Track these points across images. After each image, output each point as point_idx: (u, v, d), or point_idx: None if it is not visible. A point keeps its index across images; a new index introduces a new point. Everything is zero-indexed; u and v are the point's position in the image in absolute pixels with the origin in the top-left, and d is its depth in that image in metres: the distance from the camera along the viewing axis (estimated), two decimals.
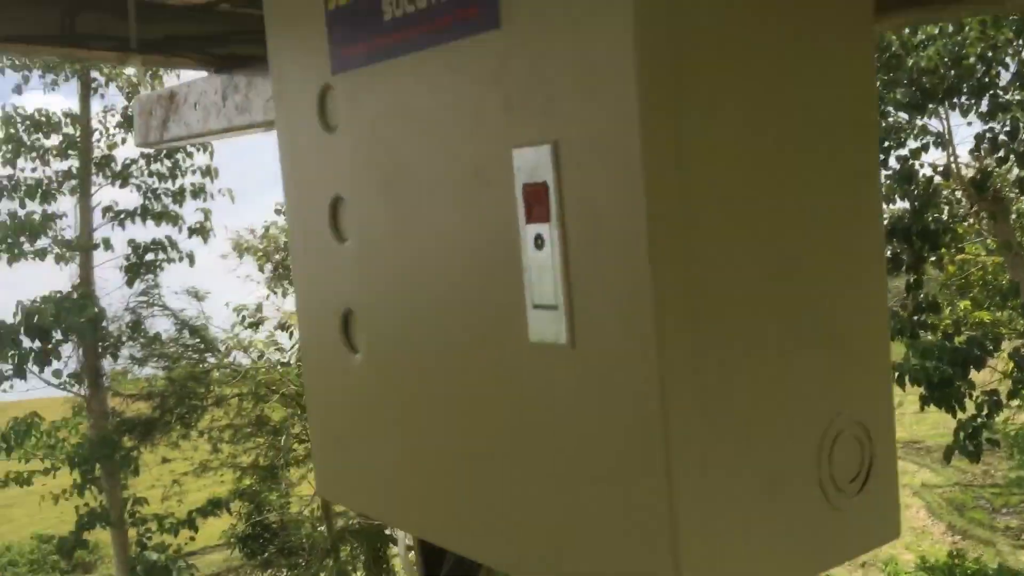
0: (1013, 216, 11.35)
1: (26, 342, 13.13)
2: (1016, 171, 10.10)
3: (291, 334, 17.82)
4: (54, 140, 14.56)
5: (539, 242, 0.85)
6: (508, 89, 0.86)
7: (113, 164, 14.80)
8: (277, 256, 18.39)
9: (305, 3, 1.10)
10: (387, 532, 17.41)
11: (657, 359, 0.76)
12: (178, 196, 14.96)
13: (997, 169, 10.36)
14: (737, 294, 0.81)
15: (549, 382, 0.86)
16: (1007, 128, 9.11)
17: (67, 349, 14.05)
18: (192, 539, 14.97)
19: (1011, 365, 8.89)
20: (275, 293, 18.45)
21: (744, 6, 0.81)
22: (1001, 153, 10.04)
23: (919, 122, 10.38)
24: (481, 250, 0.92)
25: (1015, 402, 9.12)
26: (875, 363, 0.93)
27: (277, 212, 18.14)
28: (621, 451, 0.80)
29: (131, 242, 14.75)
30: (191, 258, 15.13)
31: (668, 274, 0.76)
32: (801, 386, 0.87)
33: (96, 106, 14.49)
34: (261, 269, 18.22)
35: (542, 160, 0.83)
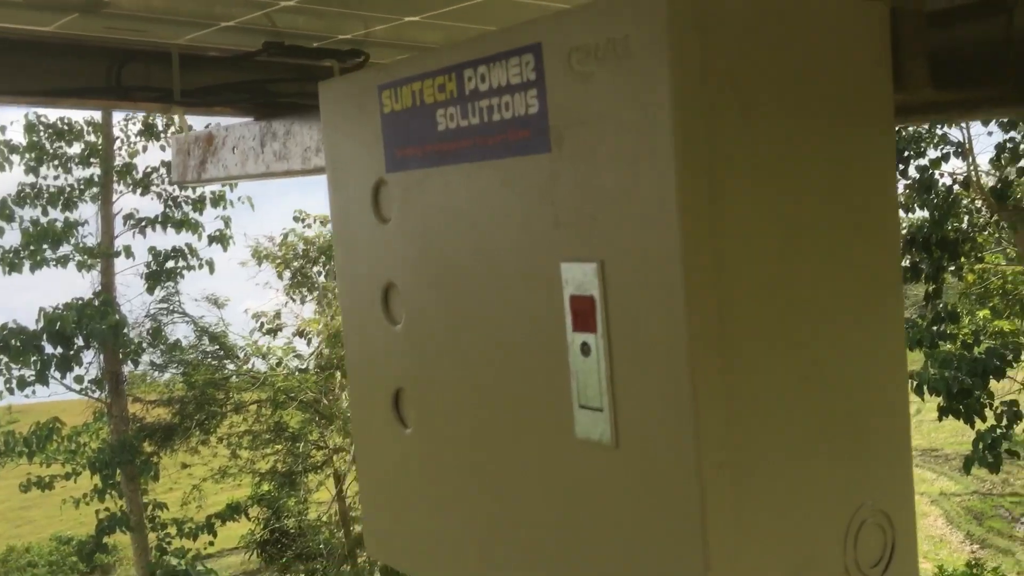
0: None
1: (48, 348, 13.29)
2: None
3: (309, 341, 17.94)
4: (76, 148, 14.72)
5: (585, 349, 0.93)
6: (557, 207, 0.94)
7: (134, 172, 14.95)
8: (296, 263, 18.51)
9: (362, 104, 1.18)
10: None
11: (696, 462, 0.84)
12: (198, 204, 15.09)
13: (1017, 179, 10.34)
14: (770, 397, 0.89)
15: (593, 476, 0.94)
16: None
17: (88, 355, 14.20)
18: (211, 544, 15.09)
19: None
20: (293, 300, 18.58)
21: (769, 137, 0.89)
22: (1022, 163, 10.03)
23: (939, 131, 10.37)
24: (527, 349, 1.00)
25: None
26: (897, 456, 1.01)
27: (296, 219, 18.25)
28: (660, 544, 0.88)
29: (152, 249, 14.89)
30: (211, 265, 15.26)
31: (705, 383, 0.84)
32: (829, 480, 0.95)
33: (118, 115, 14.61)
34: (280, 276, 18.34)
35: (588, 276, 0.91)
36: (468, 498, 1.11)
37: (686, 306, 0.82)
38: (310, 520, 17.64)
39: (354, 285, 1.26)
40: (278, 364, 17.97)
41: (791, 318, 0.91)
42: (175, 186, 14.95)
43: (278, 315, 18.37)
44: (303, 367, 18.01)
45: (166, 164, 14.94)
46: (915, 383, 8.91)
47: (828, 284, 0.94)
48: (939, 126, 10.18)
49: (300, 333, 18.43)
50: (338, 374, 17.51)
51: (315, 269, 18.90)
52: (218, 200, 15.27)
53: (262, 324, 18.06)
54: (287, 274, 18.63)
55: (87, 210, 15.33)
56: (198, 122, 2.75)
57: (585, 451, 0.95)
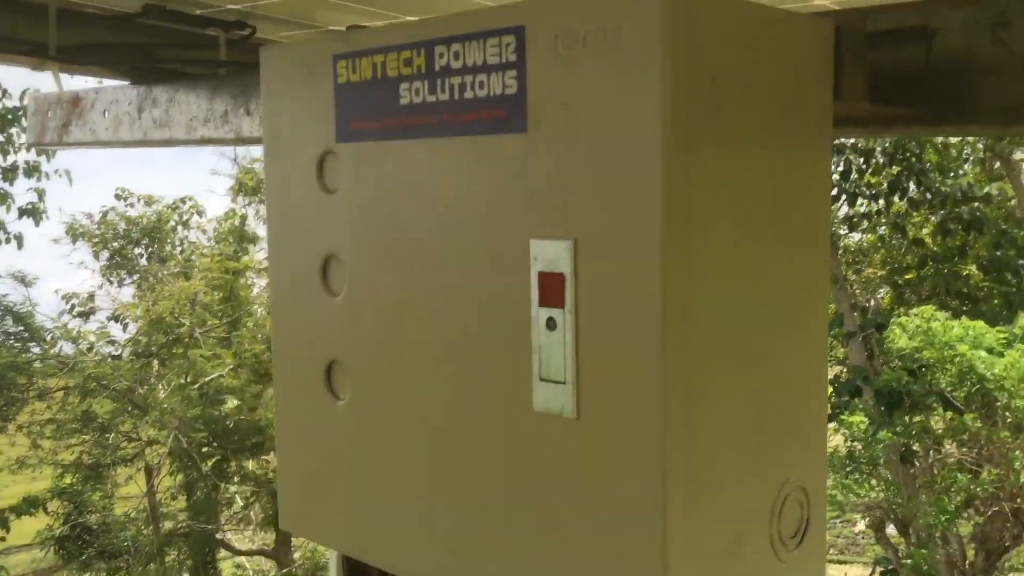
0: (840, 251, 12.15)
1: None
2: (845, 208, 10.83)
3: (125, 326, 17.07)
4: None
5: (551, 324, 0.96)
6: (530, 186, 0.97)
7: None
8: (115, 243, 17.60)
9: (311, 73, 1.18)
10: (217, 536, 16.93)
11: (661, 431, 0.89)
12: (9, 173, 14.12)
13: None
14: (719, 378, 0.95)
15: (551, 447, 0.98)
16: (839, 168, 9.79)
17: None
18: (2, 539, 14.18)
19: (830, 390, 9.56)
20: (110, 282, 17.64)
21: (733, 135, 0.95)
22: (833, 192, 10.78)
23: None
24: (484, 323, 1.03)
25: (831, 425, 9.79)
26: (815, 438, 1.09)
27: (118, 197, 17.36)
28: (620, 510, 0.93)
29: None
30: (19, 240, 14.30)
31: (672, 359, 0.89)
32: (762, 457, 1.02)
33: None
34: (96, 256, 17.39)
35: (560, 253, 0.95)
36: (409, 470, 1.12)
37: (662, 287, 0.88)
38: (116, 516, 16.79)
39: (288, 255, 1.25)
40: (89, 349, 17.03)
41: (740, 309, 0.97)
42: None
43: (91, 297, 17.41)
44: (117, 354, 17.13)
45: None
46: None
47: (771, 280, 1.02)
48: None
49: (116, 318, 17.52)
50: (155, 363, 16.77)
51: (137, 251, 18.03)
52: (32, 171, 14.33)
53: (73, 306, 17.06)
54: (104, 254, 17.68)
55: None
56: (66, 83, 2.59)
57: (543, 423, 0.98)
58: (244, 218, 18.54)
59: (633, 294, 0.90)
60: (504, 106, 0.99)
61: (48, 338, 17.00)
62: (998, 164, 11.95)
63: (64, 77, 2.47)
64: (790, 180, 1.03)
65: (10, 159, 13.85)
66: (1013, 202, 11.82)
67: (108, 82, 2.54)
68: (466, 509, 1.07)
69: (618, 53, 0.89)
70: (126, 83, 2.41)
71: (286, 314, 1.27)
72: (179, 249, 18.48)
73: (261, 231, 18.55)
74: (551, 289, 0.96)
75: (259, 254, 18.68)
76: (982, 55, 1.09)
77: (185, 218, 18.41)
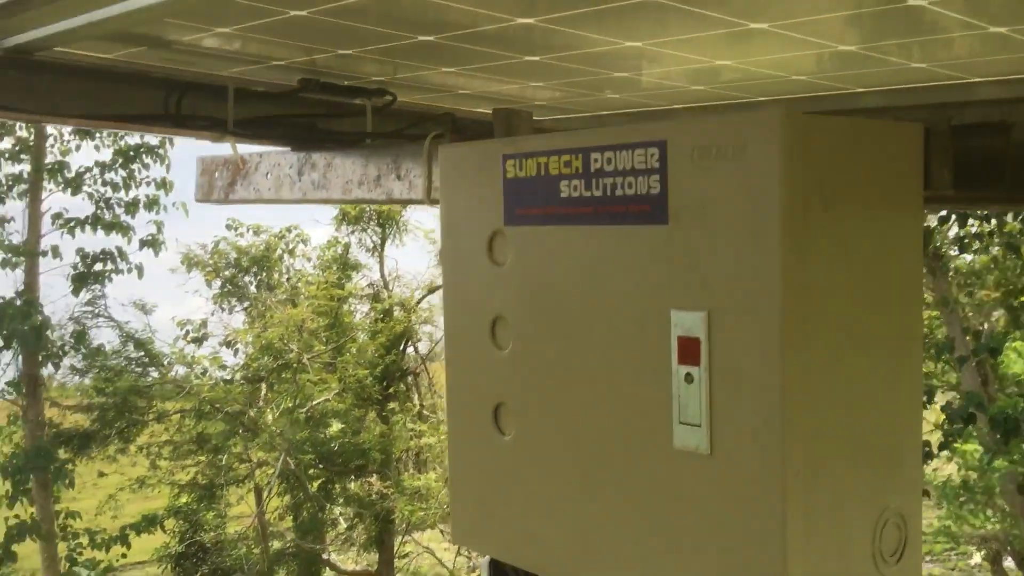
0: (951, 273, 11.88)
1: None
2: (955, 229, 10.62)
3: (236, 351, 17.78)
4: (6, 143, 14.41)
5: (689, 378, 1.20)
6: (670, 267, 1.22)
7: (66, 170, 14.69)
8: (227, 272, 18.36)
9: (483, 168, 1.45)
10: (324, 556, 17.40)
11: (781, 465, 1.12)
12: (131, 207, 14.88)
13: (938, 228, 10.93)
14: (830, 422, 1.18)
15: (687, 480, 1.22)
16: None
17: (6, 356, 13.89)
18: (124, 556, 14.82)
19: (942, 417, 9.38)
20: (222, 309, 18.40)
21: (839, 224, 1.18)
22: (942, 212, 10.62)
23: None
24: (630, 377, 1.28)
25: (944, 453, 9.65)
26: (911, 470, 1.31)
27: (228, 228, 18.13)
28: (746, 532, 1.16)
29: (80, 251, 14.62)
30: (140, 270, 15.03)
31: (790, 406, 1.12)
32: (866, 487, 1.24)
33: None
34: (209, 284, 18.17)
35: (696, 322, 1.19)
36: (565, 494, 1.37)
37: (781, 349, 1.11)
38: (228, 535, 17.41)
39: (461, 315, 1.52)
40: (203, 373, 17.77)
41: (846, 362, 1.20)
42: (107, 187, 14.71)
43: (204, 324, 18.17)
44: (228, 378, 17.82)
45: (100, 164, 14.66)
46: None
47: (873, 339, 1.24)
48: None
49: (227, 343, 18.25)
50: (264, 387, 17.39)
51: (246, 279, 18.75)
52: (151, 204, 15.07)
53: (187, 332, 17.83)
54: (217, 283, 18.44)
55: (14, 207, 15.01)
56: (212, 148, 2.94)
57: (681, 459, 1.22)
58: (348, 246, 19.11)
59: (759, 354, 1.13)
60: (648, 202, 1.24)
61: (165, 363, 17.80)
62: None
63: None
64: (887, 256, 1.25)
65: (131, 193, 14.62)
66: None
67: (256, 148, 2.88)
68: (613, 528, 1.31)
69: (743, 164, 1.13)
70: (286, 149, 2.74)
71: (458, 364, 1.53)
72: (286, 277, 19.13)
73: (363, 258, 19.11)
74: (688, 350, 1.20)
75: (362, 281, 19.21)
76: None
77: (291, 247, 19.07)
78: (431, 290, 19.34)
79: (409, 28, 1.84)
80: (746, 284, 1.14)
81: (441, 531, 18.42)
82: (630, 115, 2.79)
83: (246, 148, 2.92)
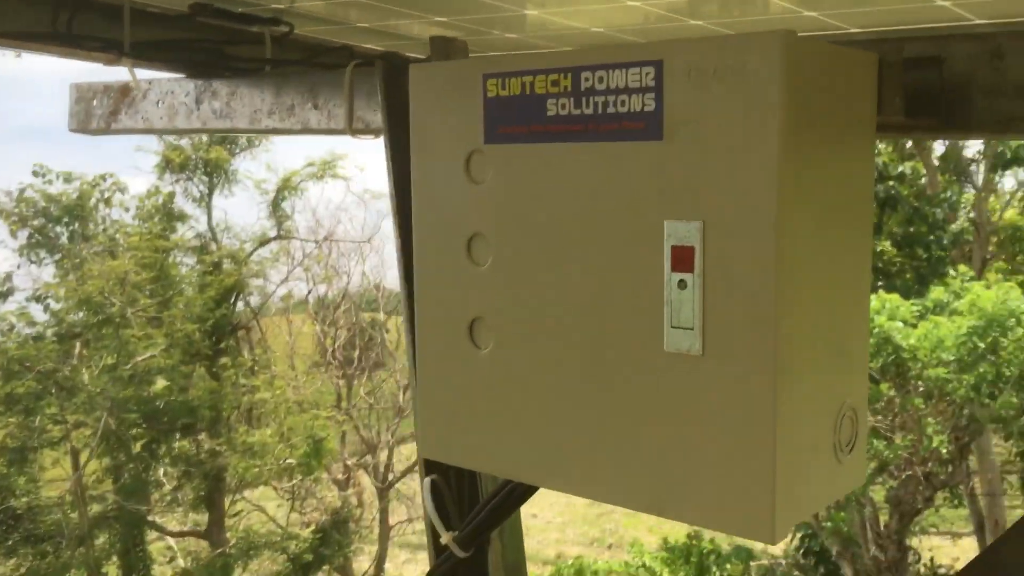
0: None
1: None
2: None
3: (47, 307, 16.80)
4: None
5: (682, 285, 1.29)
6: (664, 181, 1.29)
7: None
8: (34, 222, 17.26)
9: (461, 87, 1.48)
10: (148, 519, 16.84)
11: (773, 363, 1.23)
12: None
13: None
14: (805, 324, 1.29)
15: (680, 377, 1.31)
16: None
17: None
18: None
19: None
20: (30, 261, 17.32)
21: (815, 142, 1.29)
22: None
23: None
24: (623, 284, 1.35)
25: None
26: (861, 370, 1.45)
27: (35, 175, 17.02)
28: (738, 426, 1.26)
29: None
30: None
31: (781, 311, 1.23)
32: (829, 384, 1.37)
33: None
34: (14, 235, 17.04)
35: (691, 231, 1.27)
36: (548, 401, 1.44)
37: (775, 255, 1.21)
38: (43, 500, 16.56)
39: (434, 233, 1.55)
40: (10, 330, 16.70)
41: (817, 270, 1.31)
42: None
43: (9, 277, 17.07)
44: (38, 335, 16.83)
45: None
46: None
47: (835, 247, 1.36)
48: None
49: (37, 298, 17.21)
50: (77, 343, 16.56)
51: (57, 229, 17.70)
52: None
53: None
54: (23, 233, 17.31)
55: None
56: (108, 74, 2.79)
57: (673, 360, 1.31)
58: (171, 196, 18.33)
59: (753, 262, 1.23)
60: (643, 120, 1.31)
61: None
62: (910, 144, 12.64)
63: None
64: (847, 174, 1.38)
65: None
66: (924, 180, 12.53)
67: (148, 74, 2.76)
68: (600, 430, 1.39)
69: (743, 82, 1.22)
70: (180, 76, 2.64)
71: (431, 281, 1.57)
72: (102, 227, 18.19)
73: (189, 209, 18.38)
74: (682, 258, 1.29)
75: (188, 232, 18.49)
76: (980, 78, 1.45)
77: (107, 196, 18.12)
78: (262, 242, 18.85)
79: None
80: (742, 195, 1.23)
81: (274, 487, 18.16)
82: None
83: (125, 75, 2.79)
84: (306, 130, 2.34)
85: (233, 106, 2.50)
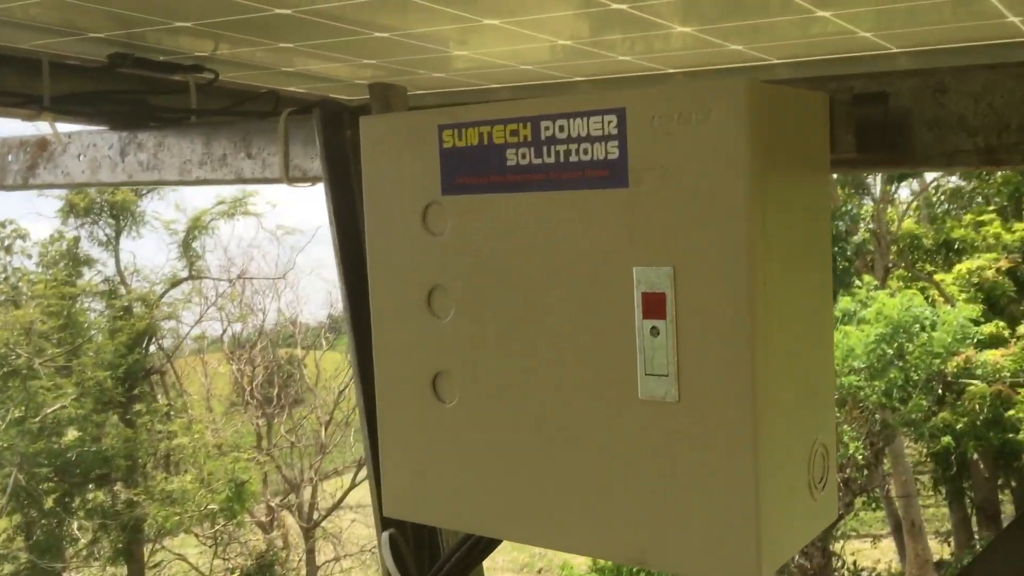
0: None
1: None
2: None
3: None
4: None
5: (655, 332, 1.28)
6: (632, 228, 1.29)
7: None
8: None
9: (415, 139, 1.45)
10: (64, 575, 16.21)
11: (752, 408, 1.22)
12: None
13: None
14: (781, 362, 1.29)
15: (656, 424, 1.30)
16: None
17: None
18: None
19: None
20: None
21: (778, 184, 1.30)
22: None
23: None
24: (591, 334, 1.34)
25: None
26: (829, 407, 1.46)
27: None
28: (716, 476, 1.25)
29: None
30: None
31: (758, 355, 1.23)
32: (801, 422, 1.37)
33: None
34: None
35: (662, 277, 1.27)
36: (517, 454, 1.41)
37: (749, 300, 1.21)
38: None
39: (392, 287, 1.51)
40: None
41: (788, 311, 1.32)
42: None
43: None
44: None
45: None
46: None
47: (802, 287, 1.37)
48: None
49: None
50: None
51: None
52: None
53: None
54: None
55: None
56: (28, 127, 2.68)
57: (648, 408, 1.30)
58: (77, 240, 17.81)
59: (727, 306, 1.23)
60: (607, 167, 1.30)
61: None
62: None
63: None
64: (806, 213, 1.39)
65: None
66: None
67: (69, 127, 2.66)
68: (575, 481, 1.37)
69: (708, 128, 1.22)
70: (102, 129, 2.55)
71: (390, 336, 1.53)
72: (3, 276, 17.56)
73: (95, 253, 17.86)
74: (654, 305, 1.28)
75: (95, 277, 17.98)
76: (925, 113, 1.49)
77: (7, 243, 17.54)
78: (174, 284, 18.41)
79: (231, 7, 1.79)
80: (712, 240, 1.23)
81: (196, 535, 17.65)
82: (442, 95, 2.84)
83: (45, 128, 2.69)
84: (240, 180, 2.28)
85: (161, 157, 2.42)
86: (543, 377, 1.39)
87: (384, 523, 2.00)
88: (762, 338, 1.24)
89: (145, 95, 2.48)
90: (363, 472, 20.09)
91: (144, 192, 17.23)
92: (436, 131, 1.44)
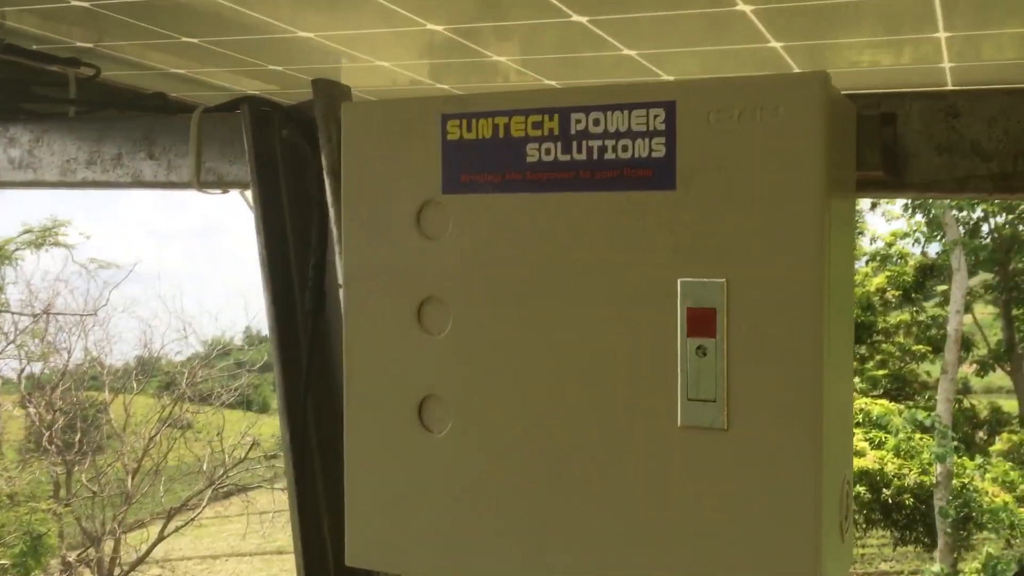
0: None
1: None
2: None
3: None
4: None
5: (701, 351, 1.14)
6: (678, 236, 1.15)
7: None
8: None
9: (412, 129, 1.27)
10: None
11: (820, 438, 1.10)
12: None
13: None
14: (833, 393, 1.18)
15: (698, 455, 1.15)
16: None
17: None
18: None
19: None
20: None
21: (835, 192, 1.19)
22: None
23: None
24: (622, 353, 1.18)
25: None
26: (851, 442, 1.36)
27: None
28: (772, 510, 1.12)
29: None
30: None
31: (827, 378, 1.11)
32: (837, 458, 1.26)
33: None
34: None
35: (712, 291, 1.13)
36: (518, 495, 1.23)
37: (817, 318, 1.10)
38: None
39: (374, 297, 1.31)
40: None
41: (836, 332, 1.21)
42: None
43: None
44: None
45: None
46: None
47: (842, 312, 1.27)
48: None
49: None
50: None
51: None
52: None
53: None
54: None
55: None
56: None
57: (690, 437, 1.15)
58: None
59: (791, 322, 1.10)
60: (651, 167, 1.16)
61: None
62: None
63: None
64: (845, 232, 1.29)
65: None
66: None
67: None
68: (590, 527, 1.20)
69: (776, 126, 1.10)
70: None
71: (369, 354, 1.32)
72: None
73: None
74: (702, 322, 1.14)
75: None
76: (938, 137, 1.43)
77: None
78: None
79: None
80: (776, 251, 1.11)
81: None
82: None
83: None
84: (139, 183, 2.00)
85: (38, 155, 2.10)
86: (556, 404, 1.22)
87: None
88: (828, 360, 1.12)
89: (19, 85, 2.17)
90: (172, 524, 19.00)
91: None
92: (439, 120, 1.26)
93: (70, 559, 18.55)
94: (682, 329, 1.16)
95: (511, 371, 1.24)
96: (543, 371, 1.23)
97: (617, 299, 1.19)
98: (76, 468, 19.55)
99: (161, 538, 18.88)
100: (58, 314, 19.42)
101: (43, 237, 16.99)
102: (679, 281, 1.16)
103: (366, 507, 1.35)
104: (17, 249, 16.93)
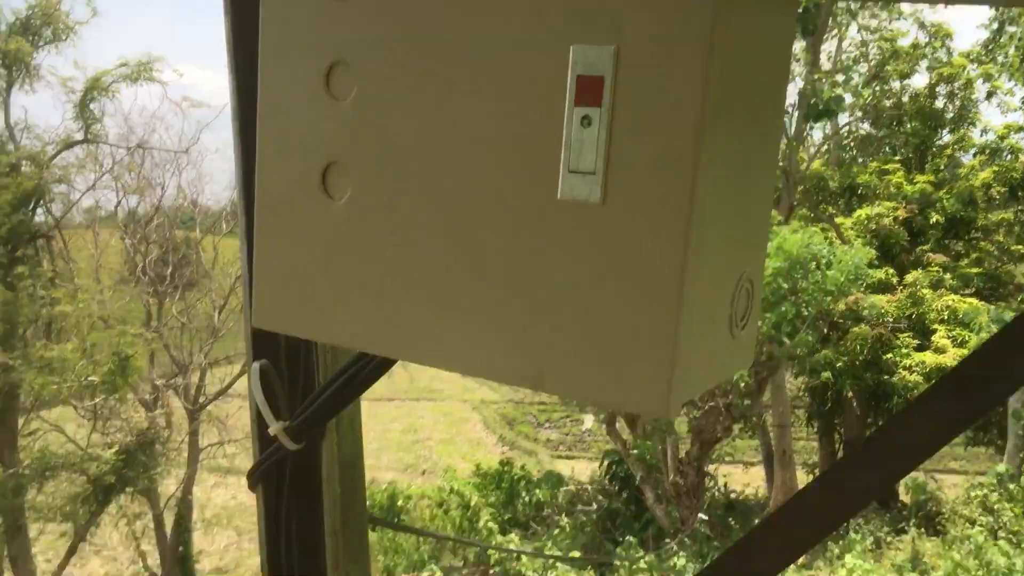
0: None
1: None
2: None
3: None
4: None
5: (586, 122, 1.11)
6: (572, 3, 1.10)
7: None
8: None
9: None
10: None
11: (688, 218, 1.07)
12: None
13: None
14: (723, 173, 1.14)
15: (573, 230, 1.13)
16: None
17: None
18: None
19: None
20: None
21: None
22: None
23: None
24: (514, 121, 1.16)
25: None
26: (762, 237, 1.32)
27: None
28: (636, 292, 1.10)
29: None
30: None
31: (703, 154, 1.07)
32: (732, 249, 1.22)
33: None
34: None
35: (602, 58, 1.09)
36: (417, 259, 1.23)
37: (703, 90, 1.05)
38: None
39: (283, 57, 1.30)
40: None
41: (736, 115, 1.15)
42: None
43: None
44: None
45: None
46: None
47: (754, 104, 1.21)
48: None
49: None
50: None
51: None
52: None
53: None
54: None
55: None
56: None
57: (567, 211, 1.13)
58: None
59: (673, 93, 1.06)
60: None
61: None
62: None
63: None
64: (770, 31, 1.22)
65: None
66: None
67: None
68: (475, 291, 1.20)
69: None
70: None
71: (277, 117, 1.32)
72: None
73: None
74: (589, 90, 1.10)
75: None
76: None
77: None
78: (67, 145, 17.47)
79: None
80: (668, 17, 1.06)
81: (74, 406, 17.15)
82: None
83: None
84: None
85: None
86: (448, 171, 1.21)
87: (256, 352, 1.81)
88: (708, 136, 1.07)
89: None
90: None
91: (41, 43, 16.21)
92: None
93: (159, 383, 19.58)
94: (570, 98, 1.12)
95: (405, 138, 1.23)
96: (436, 138, 1.21)
97: (510, 64, 1.15)
98: (167, 300, 20.41)
99: (243, 372, 19.75)
100: (153, 149, 19.95)
101: (139, 72, 17.33)
102: (571, 48, 1.11)
103: (272, 272, 1.37)
104: (114, 82, 17.33)
